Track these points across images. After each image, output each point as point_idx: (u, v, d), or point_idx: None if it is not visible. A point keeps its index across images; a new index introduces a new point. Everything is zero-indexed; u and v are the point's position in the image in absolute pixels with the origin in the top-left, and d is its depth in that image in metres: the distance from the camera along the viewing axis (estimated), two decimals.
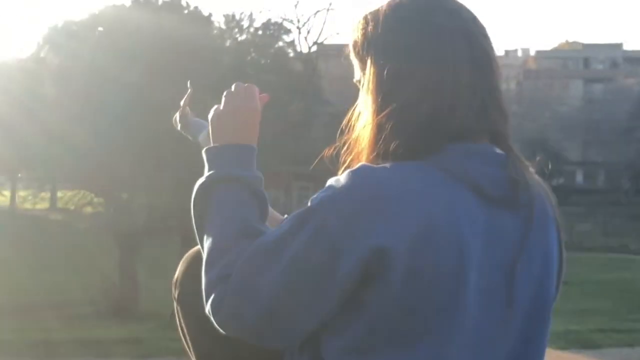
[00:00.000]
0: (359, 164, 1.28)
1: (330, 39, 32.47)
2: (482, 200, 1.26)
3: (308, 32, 45.52)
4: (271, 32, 30.64)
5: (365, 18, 1.39)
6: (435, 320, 1.23)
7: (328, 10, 33.05)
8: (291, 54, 31.54)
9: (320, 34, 37.64)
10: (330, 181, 1.27)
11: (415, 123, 1.28)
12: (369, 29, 1.36)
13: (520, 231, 1.29)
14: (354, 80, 1.41)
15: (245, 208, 1.35)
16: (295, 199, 31.37)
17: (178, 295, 1.55)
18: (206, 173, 1.39)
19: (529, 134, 49.62)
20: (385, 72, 1.32)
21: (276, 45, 30.35)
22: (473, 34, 1.34)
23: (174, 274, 1.57)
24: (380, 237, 1.19)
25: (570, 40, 75.39)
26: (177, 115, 1.79)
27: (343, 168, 1.37)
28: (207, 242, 1.33)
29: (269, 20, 30.84)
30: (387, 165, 1.26)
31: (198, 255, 1.42)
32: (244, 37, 29.51)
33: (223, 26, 28.85)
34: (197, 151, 1.53)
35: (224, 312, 1.26)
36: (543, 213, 1.34)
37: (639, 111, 50.14)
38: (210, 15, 25.55)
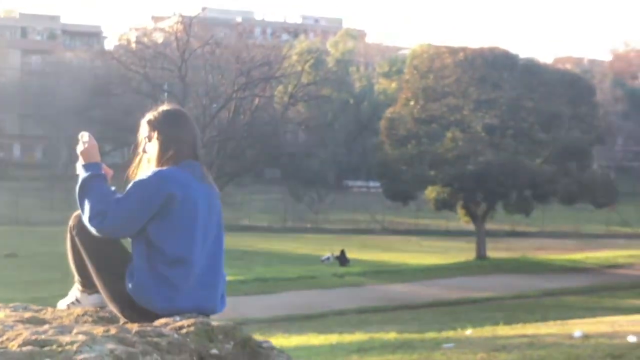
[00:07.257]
0: (155, 169, 3.45)
1: None
2: (197, 180, 3.45)
3: None
4: None
5: (153, 115, 3.58)
6: (191, 223, 3.38)
7: None
8: None
9: None
10: (146, 172, 3.43)
11: (176, 154, 3.46)
12: (155, 118, 3.55)
13: (210, 190, 3.52)
14: (144, 137, 3.55)
15: (105, 187, 3.40)
16: None
17: (76, 233, 3.46)
18: (84, 174, 3.40)
19: None
20: (164, 135, 3.50)
21: None
22: (194, 125, 3.66)
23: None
24: (170, 189, 3.34)
25: (7, 8, 72.47)
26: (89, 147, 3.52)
27: (144, 168, 3.55)
28: (89, 203, 3.32)
29: None
30: (165, 167, 3.44)
31: (79, 213, 3.43)
32: None
33: None
34: None
35: (106, 225, 3.29)
36: (214, 187, 3.59)
37: (93, 89, 49.49)
38: None
